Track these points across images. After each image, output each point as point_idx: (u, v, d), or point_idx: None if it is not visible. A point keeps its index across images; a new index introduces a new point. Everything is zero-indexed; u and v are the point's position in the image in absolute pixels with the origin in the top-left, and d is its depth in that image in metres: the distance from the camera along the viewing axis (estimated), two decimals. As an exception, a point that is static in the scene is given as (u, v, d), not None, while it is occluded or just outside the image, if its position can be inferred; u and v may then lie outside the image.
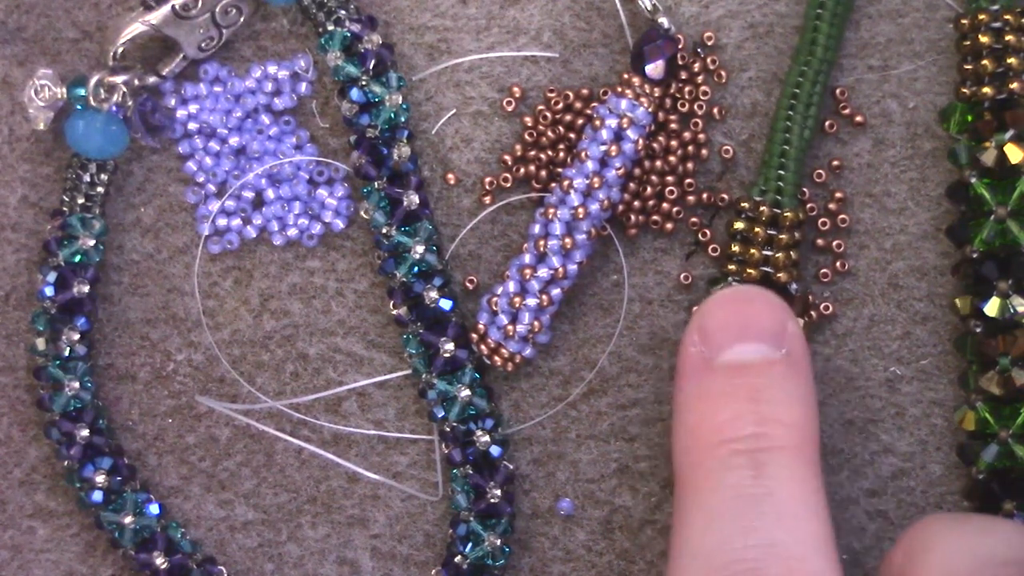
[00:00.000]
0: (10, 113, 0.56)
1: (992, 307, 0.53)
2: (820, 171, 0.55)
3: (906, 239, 0.55)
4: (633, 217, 0.55)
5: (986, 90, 0.53)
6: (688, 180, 0.55)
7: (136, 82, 0.55)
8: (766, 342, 0.50)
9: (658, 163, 0.55)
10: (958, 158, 0.53)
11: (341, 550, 0.56)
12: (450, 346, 0.55)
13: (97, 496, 0.55)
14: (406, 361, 0.56)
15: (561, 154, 0.55)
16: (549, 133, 0.55)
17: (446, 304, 0.55)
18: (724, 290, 0.52)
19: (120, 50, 0.54)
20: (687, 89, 0.55)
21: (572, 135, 0.55)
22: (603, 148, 0.53)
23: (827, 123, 0.55)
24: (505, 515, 0.55)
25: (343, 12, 0.54)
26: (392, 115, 0.54)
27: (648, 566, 0.56)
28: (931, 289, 0.55)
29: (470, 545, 0.55)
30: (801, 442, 0.49)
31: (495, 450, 0.55)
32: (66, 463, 0.55)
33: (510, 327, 0.54)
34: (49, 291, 0.55)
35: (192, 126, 0.56)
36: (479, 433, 0.55)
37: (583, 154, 0.54)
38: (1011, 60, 0.53)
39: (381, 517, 0.56)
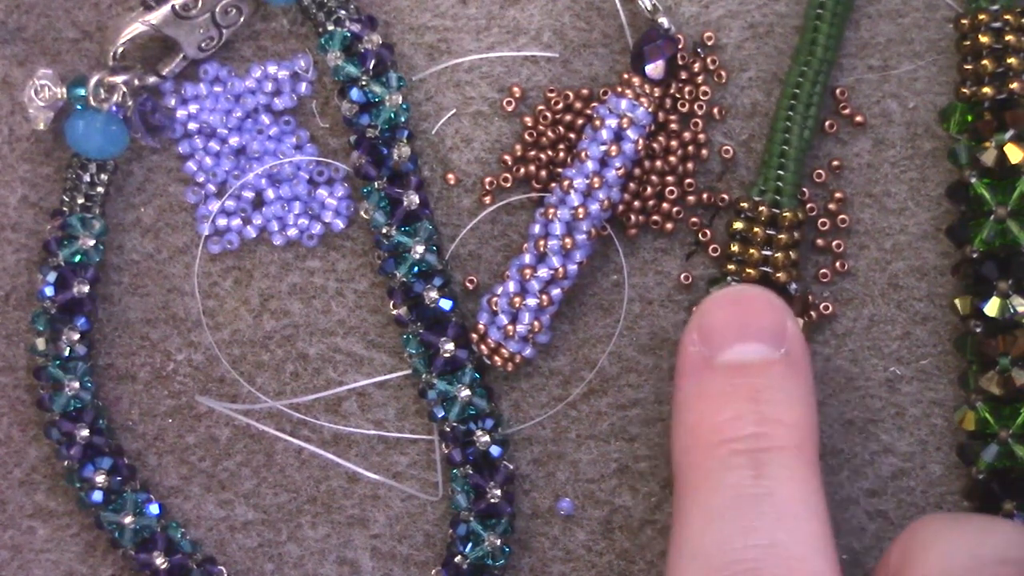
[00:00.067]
0: (10, 113, 0.56)
1: (992, 307, 0.53)
2: (820, 171, 0.55)
3: (906, 239, 0.55)
4: (633, 217, 0.55)
5: (986, 90, 0.53)
6: (688, 180, 0.55)
7: (136, 82, 0.55)
8: (766, 342, 0.50)
9: (658, 163, 0.55)
10: (958, 158, 0.53)
11: (341, 550, 0.56)
12: (450, 346, 0.55)
13: (97, 496, 0.55)
14: (406, 361, 0.56)
15: (561, 154, 0.55)
16: (549, 133, 0.55)
17: (446, 304, 0.55)
18: (724, 290, 0.52)
19: (120, 50, 0.54)
20: (687, 89, 0.55)
21: (572, 135, 0.55)
22: (603, 148, 0.53)
23: (827, 123, 0.55)
24: (505, 515, 0.55)
25: (343, 12, 0.54)
26: (392, 115, 0.54)
27: (648, 566, 0.55)
28: (931, 289, 0.55)
29: (470, 545, 0.55)
30: (801, 442, 0.49)
31: (495, 450, 0.55)
32: (66, 463, 0.55)
33: (510, 327, 0.54)
34: (49, 291, 0.55)
35: (192, 126, 0.56)
36: (479, 433, 0.55)
37: (583, 154, 0.54)
38: (1011, 60, 0.53)
39: (381, 517, 0.56)
